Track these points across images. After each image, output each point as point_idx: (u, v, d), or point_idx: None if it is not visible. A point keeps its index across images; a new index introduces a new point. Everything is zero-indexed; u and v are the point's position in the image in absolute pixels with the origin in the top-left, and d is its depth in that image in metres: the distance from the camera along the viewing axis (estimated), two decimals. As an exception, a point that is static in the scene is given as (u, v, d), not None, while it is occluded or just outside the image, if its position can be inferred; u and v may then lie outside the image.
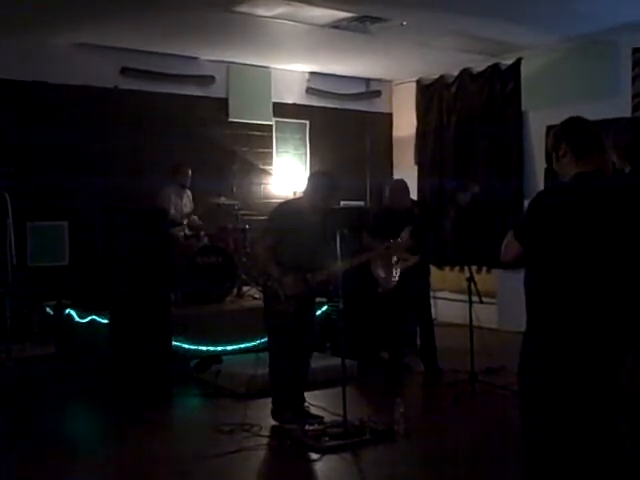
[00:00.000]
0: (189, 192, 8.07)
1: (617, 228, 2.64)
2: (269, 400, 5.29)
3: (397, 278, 6.43)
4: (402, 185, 6.80)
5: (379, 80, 10.48)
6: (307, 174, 8.95)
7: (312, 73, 9.84)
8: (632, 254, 2.65)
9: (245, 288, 7.88)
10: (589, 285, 2.62)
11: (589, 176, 2.72)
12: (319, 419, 5.11)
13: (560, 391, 2.61)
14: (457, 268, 9.40)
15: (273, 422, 5.18)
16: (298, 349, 5.10)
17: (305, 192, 5.23)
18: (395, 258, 6.40)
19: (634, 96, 7.82)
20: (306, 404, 5.30)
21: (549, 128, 7.99)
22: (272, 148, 9.59)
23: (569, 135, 2.80)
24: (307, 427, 4.87)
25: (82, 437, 5.41)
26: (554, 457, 2.67)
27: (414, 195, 9.60)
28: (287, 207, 5.33)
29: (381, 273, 6.51)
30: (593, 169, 2.73)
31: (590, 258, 2.62)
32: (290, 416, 5.10)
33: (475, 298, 6.14)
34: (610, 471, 2.64)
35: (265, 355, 5.33)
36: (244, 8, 6.81)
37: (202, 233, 7.83)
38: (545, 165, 8.35)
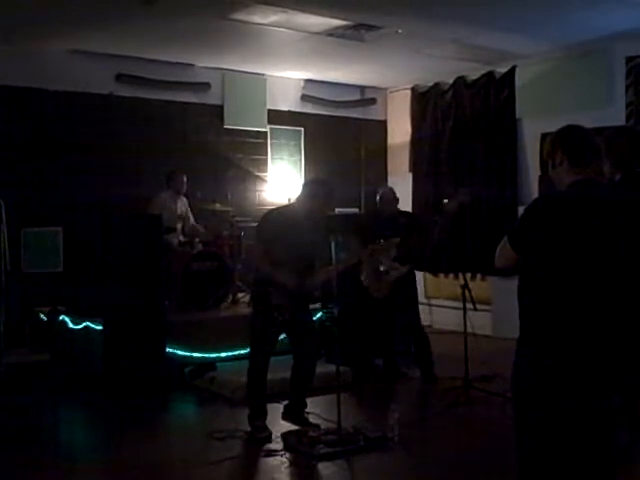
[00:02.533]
0: (184, 198, 8.07)
1: (614, 237, 2.64)
2: (263, 407, 5.29)
3: (388, 288, 6.41)
4: (391, 194, 6.86)
5: (374, 87, 10.50)
6: (302, 181, 8.96)
7: (307, 80, 9.86)
8: (628, 263, 2.66)
9: (240, 295, 7.88)
10: (584, 293, 2.62)
11: (585, 184, 2.73)
12: (316, 427, 5.09)
13: (554, 399, 2.62)
14: (452, 275, 9.41)
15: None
16: (267, 361, 5.10)
17: (299, 199, 5.22)
18: (383, 267, 6.37)
19: (628, 104, 7.86)
20: (307, 410, 5.29)
21: (543, 136, 8.04)
22: (267, 155, 9.60)
23: (566, 143, 2.80)
24: (302, 434, 4.87)
25: (76, 444, 5.39)
26: (548, 465, 2.67)
27: (408, 202, 9.65)
28: (275, 214, 5.28)
29: (368, 281, 6.50)
30: (589, 177, 2.74)
31: (586, 266, 2.62)
32: (261, 424, 5.06)
33: (470, 305, 6.14)
34: (605, 474, 2.65)
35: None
36: (240, 15, 6.83)
37: (197, 239, 7.82)
38: (539, 173, 8.39)
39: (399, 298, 6.55)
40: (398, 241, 6.31)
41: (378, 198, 6.89)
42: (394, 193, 6.87)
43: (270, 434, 5.01)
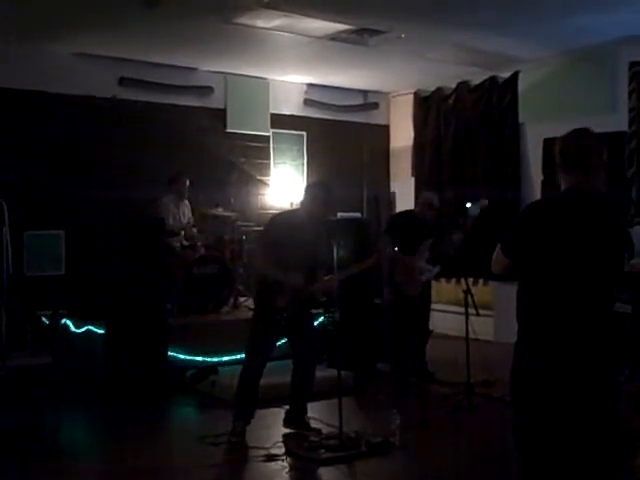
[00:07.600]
0: (187, 202, 8.06)
1: (598, 241, 2.66)
2: (264, 412, 5.28)
3: (422, 286, 6.60)
4: (429, 199, 6.88)
5: (377, 92, 10.51)
6: (304, 185, 8.94)
7: (310, 85, 9.87)
8: (610, 265, 2.67)
9: (242, 299, 7.87)
10: (570, 298, 2.65)
11: (576, 192, 2.74)
12: (317, 431, 5.08)
13: (552, 402, 2.61)
14: (454, 280, 9.38)
15: (269, 433, 5.16)
16: (263, 365, 5.11)
17: (302, 203, 5.26)
18: (418, 268, 6.49)
19: (630, 110, 7.86)
20: (307, 415, 5.28)
21: (546, 141, 8.06)
22: (269, 159, 9.60)
23: (563, 149, 2.81)
24: (303, 438, 4.86)
25: (76, 447, 5.38)
26: (547, 469, 2.67)
27: (411, 206, 9.60)
28: (283, 217, 5.35)
29: (403, 281, 6.54)
30: (581, 185, 2.74)
31: (570, 271, 2.64)
32: (240, 428, 5.03)
33: (472, 310, 6.14)
34: (604, 473, 2.65)
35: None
36: (243, 19, 6.84)
37: (199, 243, 7.82)
38: (542, 177, 8.38)
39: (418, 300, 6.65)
40: (431, 242, 6.53)
41: (419, 204, 6.97)
42: (432, 199, 6.88)
43: (241, 443, 4.94)
